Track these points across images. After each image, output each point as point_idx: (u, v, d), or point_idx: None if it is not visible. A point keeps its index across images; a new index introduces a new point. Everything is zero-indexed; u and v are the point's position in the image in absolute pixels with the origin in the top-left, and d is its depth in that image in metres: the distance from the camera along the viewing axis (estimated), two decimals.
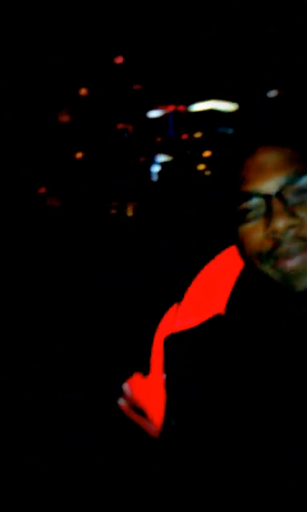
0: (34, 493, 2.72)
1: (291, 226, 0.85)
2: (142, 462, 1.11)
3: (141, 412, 1.11)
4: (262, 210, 0.87)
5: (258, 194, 0.87)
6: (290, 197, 0.86)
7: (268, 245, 0.87)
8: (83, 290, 8.15)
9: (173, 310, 1.08)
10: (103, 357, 4.71)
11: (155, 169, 12.81)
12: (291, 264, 0.86)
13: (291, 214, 0.85)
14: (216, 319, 0.99)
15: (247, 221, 0.89)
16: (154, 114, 13.86)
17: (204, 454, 0.93)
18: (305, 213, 0.86)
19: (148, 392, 1.08)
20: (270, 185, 0.86)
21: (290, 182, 0.86)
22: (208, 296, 1.03)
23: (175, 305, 1.08)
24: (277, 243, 0.86)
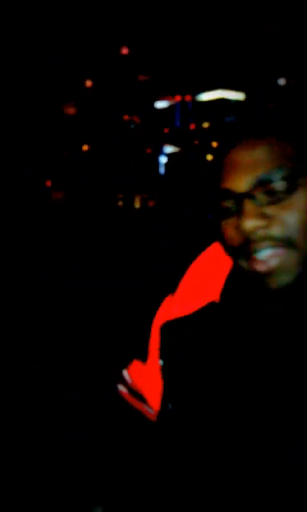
0: (34, 493, 2.72)
1: (257, 228, 0.85)
2: (141, 462, 1.11)
3: (140, 397, 1.12)
4: (234, 208, 0.88)
5: (230, 193, 0.88)
6: (261, 197, 0.86)
7: (239, 242, 0.88)
8: (83, 290, 8.14)
9: (168, 299, 1.09)
10: (103, 357, 4.71)
11: (163, 160, 12.76)
12: (262, 264, 0.87)
13: (261, 214, 0.85)
14: (211, 307, 1.00)
15: (226, 217, 0.89)
16: (161, 104, 13.80)
17: (200, 438, 0.94)
18: (275, 213, 0.85)
19: (146, 378, 1.09)
20: (242, 184, 0.86)
21: (262, 181, 0.85)
22: (203, 284, 1.03)
23: (170, 295, 1.08)
24: (246, 241, 0.87)
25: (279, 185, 0.85)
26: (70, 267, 10.48)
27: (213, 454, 0.93)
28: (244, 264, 0.89)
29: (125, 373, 1.15)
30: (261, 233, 0.85)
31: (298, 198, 0.85)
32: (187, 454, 0.96)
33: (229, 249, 0.91)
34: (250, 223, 0.85)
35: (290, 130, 0.88)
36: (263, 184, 0.86)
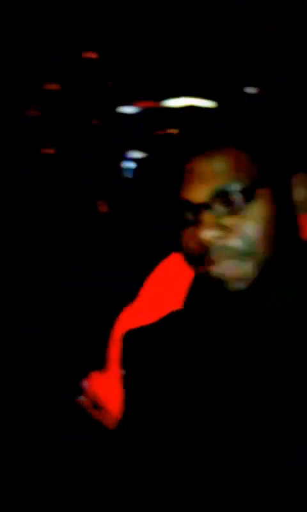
0: (34, 493, 2.71)
1: (214, 238, 0.87)
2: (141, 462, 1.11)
3: (100, 407, 1.14)
4: (192, 218, 0.90)
5: (189, 204, 0.89)
6: (219, 208, 0.88)
7: (197, 252, 0.90)
8: (83, 290, 8.14)
9: (128, 308, 1.11)
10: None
11: (129, 165, 12.65)
12: (217, 270, 0.89)
13: (219, 225, 0.87)
14: (174, 315, 1.02)
15: (185, 227, 0.92)
16: (128, 110, 13.68)
17: (160, 444, 0.96)
18: (233, 223, 0.87)
19: (105, 388, 1.11)
20: (200, 194, 0.88)
21: (220, 192, 0.87)
22: (165, 292, 1.05)
23: (131, 303, 1.11)
24: (205, 251, 0.89)
25: (236, 196, 0.87)
26: (70, 267, 10.48)
27: (183, 459, 0.94)
28: (202, 271, 0.91)
29: (84, 383, 1.17)
30: (218, 243, 0.87)
31: (255, 209, 0.87)
32: (156, 460, 0.97)
33: (189, 258, 0.93)
34: (207, 234, 0.87)
35: (248, 142, 0.90)
36: (221, 195, 0.87)
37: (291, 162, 0.94)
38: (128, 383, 1.04)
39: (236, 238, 0.87)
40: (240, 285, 0.89)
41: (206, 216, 0.87)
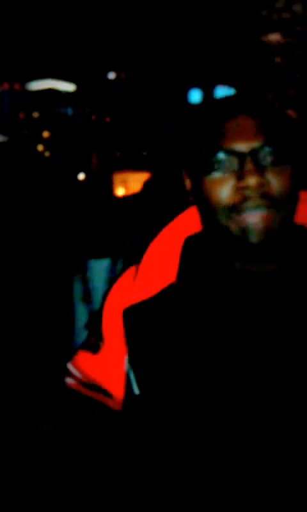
0: (34, 493, 2.67)
1: (260, 184, 0.95)
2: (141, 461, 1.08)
3: (95, 387, 1.14)
4: (234, 166, 0.97)
5: (233, 152, 0.97)
6: (261, 159, 0.97)
7: (236, 199, 0.97)
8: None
9: (122, 282, 1.14)
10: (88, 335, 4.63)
11: None
12: (254, 218, 0.96)
13: (261, 173, 0.96)
14: (170, 288, 1.05)
15: (216, 173, 0.98)
16: None
17: (175, 421, 0.98)
18: (271, 175, 0.96)
19: (101, 367, 1.12)
20: (246, 146, 0.96)
21: (262, 146, 0.97)
22: (159, 266, 1.09)
23: (125, 276, 1.14)
24: (245, 198, 0.96)
25: (273, 153, 0.97)
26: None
27: (190, 437, 0.96)
28: (227, 219, 0.97)
29: (70, 366, 1.19)
30: (259, 190, 0.95)
31: (286, 167, 0.98)
32: (162, 442, 0.98)
33: (216, 205, 0.98)
34: (254, 179, 0.94)
35: (281, 114, 1.01)
36: (262, 150, 0.97)
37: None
38: (134, 360, 1.04)
39: (273, 188, 0.96)
40: (262, 238, 0.96)
41: (251, 164, 0.95)
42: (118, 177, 12.54)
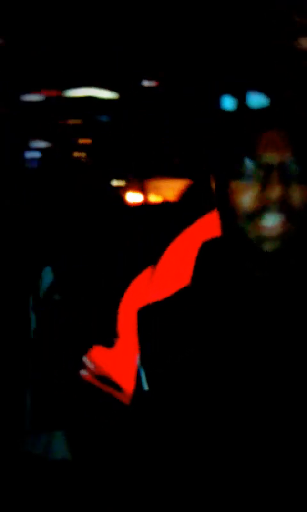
0: (34, 493, 2.68)
1: (282, 197, 1.00)
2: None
3: (106, 380, 1.18)
4: (261, 176, 1.01)
5: (261, 162, 1.02)
6: (286, 172, 1.01)
7: (257, 207, 1.01)
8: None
9: (137, 282, 1.17)
10: (106, 331, 4.63)
11: (32, 155, 12.42)
12: (270, 228, 1.01)
13: (285, 186, 1.00)
14: (184, 291, 1.09)
15: (242, 180, 1.02)
16: (32, 98, 13.49)
17: (180, 417, 1.01)
18: (294, 189, 1.01)
19: (115, 361, 1.16)
20: (274, 158, 1.01)
21: (289, 160, 1.02)
22: (175, 269, 1.12)
23: (143, 275, 1.17)
24: (264, 207, 1.01)
25: (299, 168, 1.01)
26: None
27: (201, 432, 1.00)
28: (246, 225, 1.02)
29: (86, 359, 1.22)
30: (280, 202, 1.00)
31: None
32: (171, 437, 1.02)
33: (238, 209, 1.02)
34: (276, 192, 0.99)
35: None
36: (289, 164, 1.01)
37: None
38: (145, 357, 1.08)
39: (296, 203, 1.01)
40: (275, 247, 1.01)
41: (278, 176, 1.00)
42: (150, 184, 12.56)
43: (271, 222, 1.01)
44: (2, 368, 2.42)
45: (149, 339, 1.08)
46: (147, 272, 1.17)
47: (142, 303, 1.11)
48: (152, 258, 1.17)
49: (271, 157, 1.02)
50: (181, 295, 1.09)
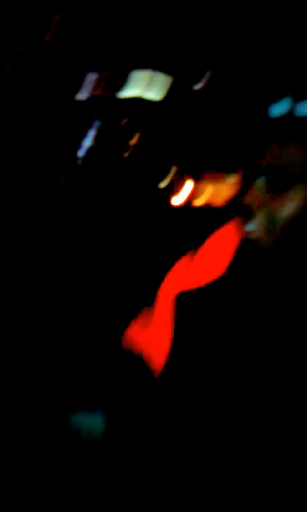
0: (34, 493, 2.62)
1: (264, 202, 1.03)
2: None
3: (142, 355, 1.21)
4: (272, 185, 1.04)
5: (262, 169, 1.05)
6: (280, 184, 1.04)
7: (248, 205, 1.05)
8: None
9: (180, 267, 1.21)
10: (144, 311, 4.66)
11: (82, 153, 12.54)
12: (251, 226, 1.04)
13: (275, 193, 1.03)
14: (217, 282, 1.12)
15: (259, 182, 1.05)
16: (79, 97, 13.51)
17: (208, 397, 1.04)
18: (284, 196, 1.03)
19: (150, 340, 1.20)
20: (290, 171, 1.03)
21: (288, 171, 1.03)
22: (212, 260, 1.16)
23: (183, 261, 1.21)
24: (253, 207, 1.04)
25: (296, 180, 1.03)
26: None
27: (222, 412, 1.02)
28: (242, 223, 1.07)
29: (126, 333, 1.27)
30: (263, 206, 1.03)
31: (301, 194, 1.04)
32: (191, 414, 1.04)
33: (240, 208, 1.07)
34: (260, 195, 1.04)
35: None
36: (285, 174, 1.03)
37: None
38: (179, 338, 1.11)
39: (281, 209, 1.03)
40: (266, 245, 1.04)
41: (272, 183, 1.03)
42: (197, 186, 12.72)
43: (253, 221, 1.05)
44: (1, 367, 2.41)
45: (182, 324, 1.12)
46: (184, 261, 1.21)
47: (178, 290, 1.15)
48: (193, 246, 1.21)
49: (289, 170, 1.04)
50: (214, 286, 1.12)
